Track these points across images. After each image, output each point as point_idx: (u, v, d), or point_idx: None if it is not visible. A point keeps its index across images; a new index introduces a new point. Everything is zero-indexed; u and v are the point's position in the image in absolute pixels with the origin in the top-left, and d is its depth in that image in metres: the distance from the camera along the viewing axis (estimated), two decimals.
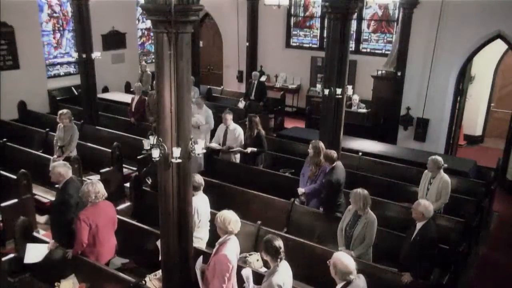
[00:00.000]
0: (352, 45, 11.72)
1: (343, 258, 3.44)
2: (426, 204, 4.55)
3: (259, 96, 11.36)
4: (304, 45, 13.53)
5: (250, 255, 5.12)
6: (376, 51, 12.33)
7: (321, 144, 6.01)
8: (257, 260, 5.01)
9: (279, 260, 3.60)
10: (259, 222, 5.45)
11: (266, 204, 6.20)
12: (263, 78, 12.73)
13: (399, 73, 9.75)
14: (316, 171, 5.98)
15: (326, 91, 6.19)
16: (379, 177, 7.10)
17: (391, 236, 5.25)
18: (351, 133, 8.71)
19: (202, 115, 8.09)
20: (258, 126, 7.23)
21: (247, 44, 12.98)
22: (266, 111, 11.14)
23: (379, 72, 10.27)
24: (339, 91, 6.12)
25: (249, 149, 7.15)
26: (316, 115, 9.95)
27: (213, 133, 7.98)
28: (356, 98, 10.81)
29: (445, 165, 5.88)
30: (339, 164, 5.79)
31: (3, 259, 4.80)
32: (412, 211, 4.64)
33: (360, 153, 7.96)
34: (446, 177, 5.85)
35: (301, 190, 6.10)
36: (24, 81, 10.26)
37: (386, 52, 11.74)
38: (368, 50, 12.48)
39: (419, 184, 6.14)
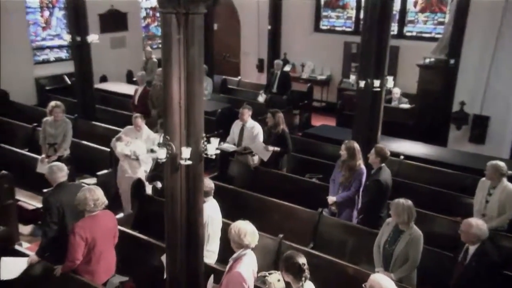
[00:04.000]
0: (394, 28, 11.62)
1: (382, 282, 3.43)
2: (479, 224, 4.42)
3: (282, 88, 11.36)
4: (336, 28, 13.50)
5: (269, 274, 5.13)
6: (424, 35, 12.21)
7: (356, 145, 6.00)
8: (278, 281, 4.99)
9: (303, 280, 3.61)
10: (280, 235, 5.46)
11: (288, 214, 6.23)
12: (287, 68, 12.73)
13: (451, 61, 9.63)
14: (350, 177, 5.97)
15: (362, 83, 6.19)
16: (425, 185, 7.03)
17: (439, 257, 5.19)
18: (390, 133, 8.63)
19: (141, 140, 6.85)
20: (282, 123, 7.27)
21: (269, 27, 12.98)
22: (290, 106, 11.14)
23: (427, 60, 10.17)
24: (377, 83, 6.11)
25: (270, 147, 7.19)
26: (349, 111, 9.95)
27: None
28: (397, 91, 10.72)
29: (510, 172, 5.78)
30: (385, 166, 5.81)
31: None
32: (461, 233, 4.48)
33: (402, 157, 7.88)
34: (510, 186, 5.73)
35: (331, 198, 6.11)
36: (6, 67, 10.37)
37: (437, 36, 11.62)
38: (414, 33, 12.37)
39: (474, 194, 6.05)
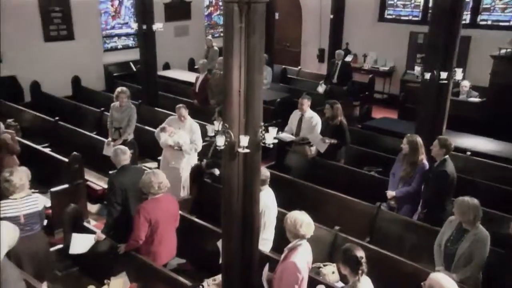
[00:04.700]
0: (466, 17, 11.10)
1: (443, 281, 3.30)
2: None
3: (342, 79, 11.22)
4: (402, 17, 13.12)
5: (324, 265, 5.12)
6: (500, 24, 11.53)
7: (419, 139, 5.82)
8: (333, 273, 4.99)
9: (360, 273, 3.56)
10: (336, 227, 5.43)
11: (345, 206, 6.17)
12: (348, 58, 12.55)
13: None
14: (411, 172, 5.82)
15: (427, 75, 6.00)
16: (493, 183, 6.72)
17: (506, 258, 4.89)
18: (457, 128, 8.31)
19: (185, 131, 6.79)
20: (340, 114, 7.17)
21: (331, 17, 12.80)
22: (350, 97, 10.97)
23: (503, 51, 9.61)
24: (444, 75, 5.88)
25: (327, 139, 7.11)
26: (412, 104, 9.69)
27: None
28: (466, 84, 10.24)
29: None
30: (449, 159, 5.64)
31: (51, 249, 5.23)
32: None
33: (469, 153, 7.60)
34: None
35: (390, 193, 5.98)
36: (78, 53, 11.07)
37: None
38: (489, 22, 11.72)
39: None
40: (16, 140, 6.57)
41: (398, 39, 12.68)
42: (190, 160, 6.80)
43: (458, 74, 6.12)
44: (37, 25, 10.50)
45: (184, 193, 6.79)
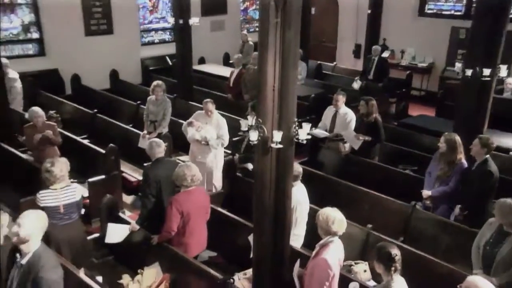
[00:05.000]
0: None
1: (481, 284, 3.20)
2: None
3: (379, 75, 11.03)
4: (444, 12, 12.75)
5: (356, 263, 5.08)
6: None
7: (457, 138, 5.67)
8: (364, 271, 4.95)
9: (392, 270, 3.51)
10: (369, 225, 5.38)
11: (378, 205, 6.09)
12: (385, 54, 12.30)
13: None
14: (449, 171, 5.68)
15: (469, 72, 5.81)
16: None
17: None
18: (499, 127, 8.09)
19: (211, 126, 6.77)
20: (375, 111, 7.07)
21: (369, 11, 12.58)
22: (386, 93, 10.78)
23: None
24: (487, 71, 5.69)
25: (361, 136, 7.03)
26: (450, 102, 9.46)
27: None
28: (511, 81, 9.88)
29: None
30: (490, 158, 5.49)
31: (89, 238, 5.41)
32: None
33: (511, 153, 7.35)
34: None
35: (426, 192, 5.86)
36: (117, 47, 11.32)
37: None
38: None
39: None
40: (58, 132, 6.80)
41: (438, 34, 12.37)
42: (217, 155, 6.84)
43: (503, 71, 5.92)
44: (79, 20, 10.78)
45: (211, 187, 6.82)
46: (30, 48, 10.53)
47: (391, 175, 6.89)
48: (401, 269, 3.55)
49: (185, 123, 6.86)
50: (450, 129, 6.27)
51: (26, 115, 7.00)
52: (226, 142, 6.84)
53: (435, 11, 12.88)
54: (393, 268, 3.51)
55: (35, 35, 10.52)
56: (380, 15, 12.63)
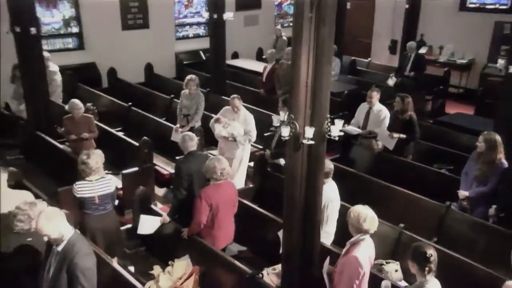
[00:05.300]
0: None
1: None
2: None
3: (415, 72, 10.77)
4: (487, 6, 12.28)
5: (387, 263, 5.01)
6: None
7: (498, 137, 5.50)
8: (396, 271, 4.88)
9: (427, 271, 3.45)
10: (401, 225, 5.29)
11: (411, 204, 5.99)
12: (422, 50, 12.06)
13: None
14: (487, 171, 5.51)
15: None
16: None
17: None
18: None
19: (239, 122, 6.73)
20: (411, 109, 6.94)
21: (406, 6, 12.27)
22: (422, 90, 10.54)
23: None
24: None
25: (395, 135, 6.91)
26: (491, 100, 9.15)
27: None
28: None
29: None
30: None
31: (122, 228, 5.53)
32: None
33: None
34: None
35: (463, 193, 5.71)
36: (152, 41, 11.50)
37: None
38: None
39: None
40: (95, 124, 7.00)
41: (480, 29, 11.96)
42: (244, 151, 6.86)
43: None
44: (116, 14, 11.01)
45: (239, 183, 6.81)
46: (70, 42, 10.85)
47: (425, 174, 6.75)
48: (436, 271, 3.49)
49: (212, 119, 6.91)
50: (489, 128, 6.11)
51: (66, 107, 7.22)
52: (254, 138, 6.84)
53: (477, 5, 12.43)
54: (427, 269, 3.45)
55: (75, 30, 10.83)
56: (418, 10, 12.32)
